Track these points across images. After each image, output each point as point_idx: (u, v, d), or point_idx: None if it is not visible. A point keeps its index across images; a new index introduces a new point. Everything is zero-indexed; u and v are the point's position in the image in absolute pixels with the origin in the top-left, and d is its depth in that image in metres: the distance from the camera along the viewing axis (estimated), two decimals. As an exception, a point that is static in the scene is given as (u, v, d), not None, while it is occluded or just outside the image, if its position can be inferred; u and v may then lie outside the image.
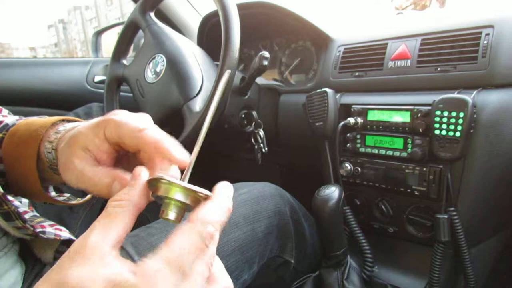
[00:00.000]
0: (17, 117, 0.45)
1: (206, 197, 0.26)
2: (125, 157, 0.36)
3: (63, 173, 0.35)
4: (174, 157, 0.30)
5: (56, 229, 0.51)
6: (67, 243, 0.53)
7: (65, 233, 0.52)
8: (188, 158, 0.30)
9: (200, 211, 0.24)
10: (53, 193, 0.44)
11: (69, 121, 0.42)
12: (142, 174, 0.27)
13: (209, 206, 0.25)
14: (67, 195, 0.48)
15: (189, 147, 0.28)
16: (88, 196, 0.52)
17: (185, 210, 0.26)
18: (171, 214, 0.25)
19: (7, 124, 0.43)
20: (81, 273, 0.21)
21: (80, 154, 0.33)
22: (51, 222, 0.52)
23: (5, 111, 0.47)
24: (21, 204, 0.51)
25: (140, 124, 0.31)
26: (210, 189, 0.27)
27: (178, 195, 0.25)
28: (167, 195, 0.25)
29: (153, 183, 0.26)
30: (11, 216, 0.42)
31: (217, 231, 0.24)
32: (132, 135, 0.31)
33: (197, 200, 0.26)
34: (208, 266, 0.24)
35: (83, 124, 0.35)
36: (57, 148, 0.37)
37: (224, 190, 0.27)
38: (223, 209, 0.25)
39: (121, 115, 0.32)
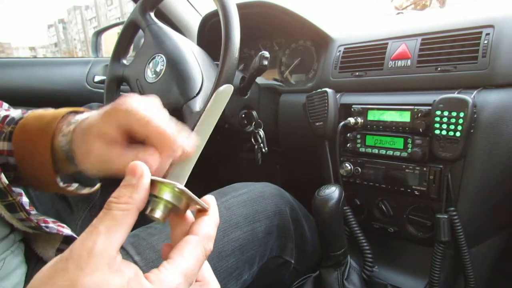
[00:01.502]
0: (20, 110, 0.45)
1: (200, 208, 0.28)
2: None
3: (82, 163, 0.36)
4: (176, 147, 0.31)
5: (59, 225, 0.51)
6: (68, 241, 0.53)
7: (67, 230, 0.52)
8: (193, 145, 0.32)
9: (204, 226, 0.27)
10: (61, 184, 0.45)
11: (77, 112, 0.42)
12: (145, 173, 0.26)
13: (210, 222, 0.28)
14: (75, 185, 0.48)
15: None
16: (97, 186, 0.52)
17: (172, 211, 0.27)
18: (158, 213, 0.26)
19: (13, 118, 0.43)
20: (94, 283, 0.21)
21: (97, 142, 0.34)
22: (53, 219, 0.52)
23: (5, 105, 0.47)
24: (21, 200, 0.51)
25: (147, 114, 0.32)
26: (209, 188, 0.27)
27: (170, 197, 0.25)
28: (160, 195, 0.25)
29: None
30: (15, 208, 0.43)
31: None
32: (140, 125, 0.32)
33: (187, 205, 0.27)
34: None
35: (94, 114, 0.36)
36: (72, 141, 0.37)
37: (215, 204, 0.29)
38: (217, 224, 0.28)
39: (131, 102, 0.33)
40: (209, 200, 0.29)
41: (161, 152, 0.33)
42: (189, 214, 0.30)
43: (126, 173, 0.25)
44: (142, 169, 0.25)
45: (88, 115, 0.39)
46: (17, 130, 0.41)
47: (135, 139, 0.34)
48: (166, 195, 0.25)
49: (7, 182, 0.40)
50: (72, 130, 0.38)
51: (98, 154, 0.34)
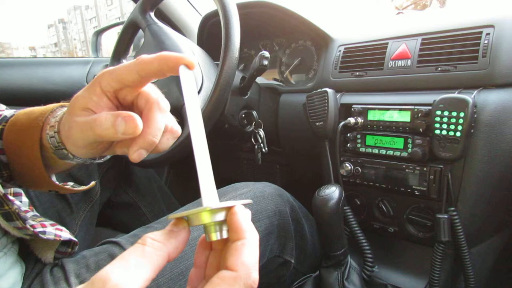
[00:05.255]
0: (13, 110, 0.45)
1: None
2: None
3: (68, 142, 0.35)
4: (164, 103, 0.33)
5: (57, 229, 0.51)
6: (67, 243, 0.53)
7: (65, 234, 0.52)
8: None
9: (241, 258, 0.23)
10: (56, 182, 0.44)
11: (65, 106, 0.41)
12: (187, 228, 0.25)
13: (247, 250, 0.23)
14: (71, 183, 0.48)
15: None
16: (92, 183, 0.52)
17: (225, 224, 0.25)
18: (214, 236, 0.25)
19: (5, 116, 0.42)
20: None
21: (81, 113, 0.33)
22: (52, 222, 0.52)
23: (2, 106, 0.47)
24: (21, 204, 0.51)
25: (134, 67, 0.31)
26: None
27: (211, 219, 0.24)
28: (203, 222, 0.25)
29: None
30: (11, 217, 0.42)
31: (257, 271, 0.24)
32: (129, 72, 0.31)
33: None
34: None
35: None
36: (60, 130, 0.37)
37: (249, 221, 0.25)
38: (257, 246, 0.24)
39: (113, 67, 0.33)
40: (241, 218, 0.24)
41: (150, 107, 0.32)
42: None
43: (171, 223, 0.25)
44: (186, 223, 0.25)
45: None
46: (7, 127, 0.40)
47: (122, 103, 0.34)
48: (206, 219, 0.24)
49: (3, 191, 0.40)
50: (59, 120, 0.37)
51: (82, 121, 0.32)
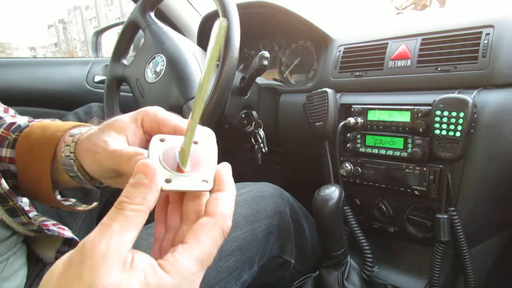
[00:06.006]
0: (27, 118, 0.45)
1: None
2: None
3: (84, 156, 0.36)
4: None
5: (59, 228, 0.51)
6: (69, 243, 0.53)
7: (67, 233, 0.52)
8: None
9: (219, 205, 0.26)
10: (58, 197, 0.44)
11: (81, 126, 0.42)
12: (158, 173, 0.25)
13: (226, 200, 0.26)
14: (73, 200, 0.48)
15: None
16: (94, 204, 0.52)
17: None
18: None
19: (19, 126, 0.43)
20: (112, 286, 0.20)
21: (114, 135, 0.34)
22: (54, 222, 0.52)
23: (11, 110, 0.47)
24: (22, 204, 0.51)
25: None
26: None
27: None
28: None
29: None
30: (16, 212, 0.43)
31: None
32: (170, 119, 0.33)
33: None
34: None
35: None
36: (77, 151, 0.37)
37: (230, 178, 0.28)
38: (233, 200, 0.27)
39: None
40: (224, 175, 0.28)
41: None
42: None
43: (135, 171, 0.25)
44: (154, 168, 0.25)
45: (92, 127, 0.39)
46: (21, 139, 0.41)
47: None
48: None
49: (7, 187, 0.40)
50: (77, 139, 0.37)
51: (107, 143, 0.33)
